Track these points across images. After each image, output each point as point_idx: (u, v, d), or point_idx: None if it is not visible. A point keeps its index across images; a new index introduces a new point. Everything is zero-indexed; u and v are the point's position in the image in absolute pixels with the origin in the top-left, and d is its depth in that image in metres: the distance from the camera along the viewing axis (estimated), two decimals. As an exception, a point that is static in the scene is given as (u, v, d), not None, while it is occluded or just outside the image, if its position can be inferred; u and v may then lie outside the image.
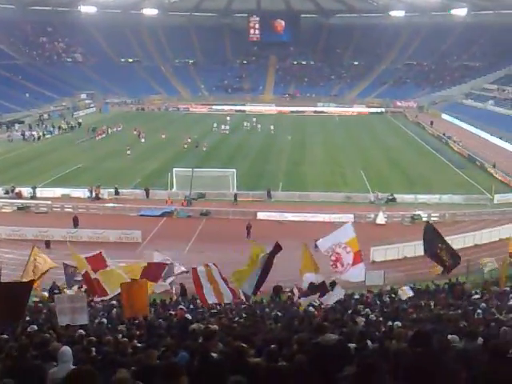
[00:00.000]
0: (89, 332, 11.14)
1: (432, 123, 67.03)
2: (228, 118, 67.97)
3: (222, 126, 62.43)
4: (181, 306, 17.15)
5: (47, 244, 27.56)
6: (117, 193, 36.35)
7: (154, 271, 14.85)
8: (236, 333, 10.63)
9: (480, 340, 6.86)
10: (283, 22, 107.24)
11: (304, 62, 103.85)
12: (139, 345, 9.37)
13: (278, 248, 11.42)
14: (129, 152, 47.63)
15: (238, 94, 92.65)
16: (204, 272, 13.85)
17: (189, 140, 52.57)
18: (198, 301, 15.02)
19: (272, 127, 61.41)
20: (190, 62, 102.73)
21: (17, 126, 63.63)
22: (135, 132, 57.06)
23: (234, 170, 37.46)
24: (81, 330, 10.76)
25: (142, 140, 54.05)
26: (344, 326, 10.22)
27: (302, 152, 51.33)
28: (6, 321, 9.98)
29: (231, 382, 3.84)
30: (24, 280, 10.99)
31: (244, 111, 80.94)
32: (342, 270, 13.10)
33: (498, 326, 9.42)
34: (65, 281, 19.65)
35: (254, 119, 65.22)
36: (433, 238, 12.40)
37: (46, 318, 14.29)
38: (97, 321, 13.18)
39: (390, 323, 11.15)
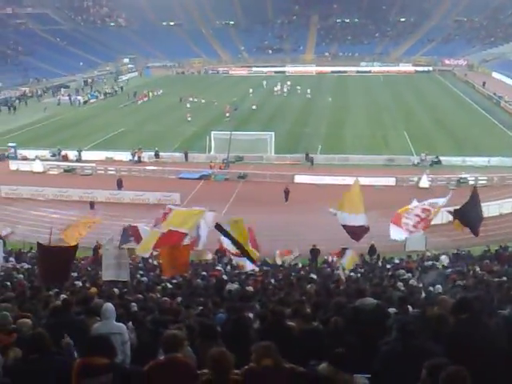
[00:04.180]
0: (129, 289, 11.44)
1: (484, 84, 63.10)
2: (264, 82, 66.63)
3: (279, 87, 61.74)
4: (218, 267, 17.36)
5: (92, 205, 28.47)
6: (157, 156, 36.83)
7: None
8: (271, 295, 10.64)
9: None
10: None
11: (347, 20, 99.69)
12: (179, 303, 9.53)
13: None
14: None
15: (279, 55, 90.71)
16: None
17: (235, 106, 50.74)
18: (235, 262, 14.94)
19: (308, 91, 59.07)
20: (231, 23, 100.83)
21: (62, 90, 65.08)
22: (191, 99, 55.46)
23: (272, 133, 36.93)
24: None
25: (188, 105, 53.30)
26: (384, 292, 10.00)
27: (343, 114, 49.88)
28: (52, 283, 10.46)
29: (256, 346, 3.75)
30: (66, 244, 11.09)
31: (284, 72, 79.22)
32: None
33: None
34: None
35: (289, 83, 63.43)
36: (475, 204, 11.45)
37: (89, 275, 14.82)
38: (136, 279, 13.50)
39: (431, 289, 10.85)
